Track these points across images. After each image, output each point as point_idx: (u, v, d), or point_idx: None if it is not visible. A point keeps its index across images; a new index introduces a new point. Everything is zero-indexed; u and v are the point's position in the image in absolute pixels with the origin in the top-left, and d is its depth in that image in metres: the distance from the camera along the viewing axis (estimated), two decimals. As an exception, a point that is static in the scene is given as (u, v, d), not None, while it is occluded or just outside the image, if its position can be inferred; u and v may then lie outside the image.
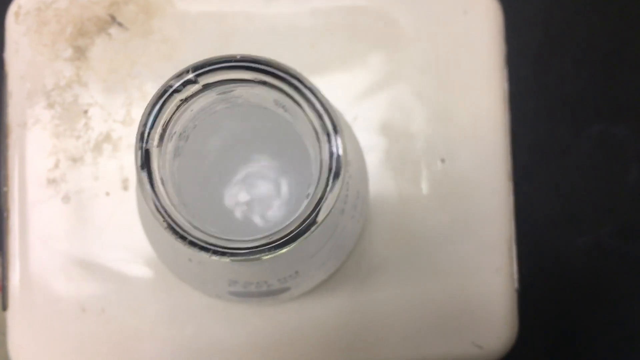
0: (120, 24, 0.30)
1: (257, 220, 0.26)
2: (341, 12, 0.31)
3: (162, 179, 0.15)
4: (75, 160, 0.30)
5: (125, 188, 0.30)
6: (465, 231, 0.31)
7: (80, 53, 0.30)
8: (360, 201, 0.26)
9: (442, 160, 0.31)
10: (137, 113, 0.30)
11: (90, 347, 0.29)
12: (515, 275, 0.31)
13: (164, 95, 0.14)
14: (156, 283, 0.29)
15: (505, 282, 0.31)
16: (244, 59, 0.14)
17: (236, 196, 0.24)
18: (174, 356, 0.29)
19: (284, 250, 0.15)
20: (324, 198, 0.14)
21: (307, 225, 0.15)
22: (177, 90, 0.14)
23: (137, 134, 0.14)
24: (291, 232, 0.15)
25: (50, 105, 0.30)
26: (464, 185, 0.31)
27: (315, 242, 0.22)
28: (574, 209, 0.48)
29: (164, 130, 0.14)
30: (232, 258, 0.14)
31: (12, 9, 0.30)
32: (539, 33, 0.48)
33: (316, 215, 0.15)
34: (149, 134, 0.14)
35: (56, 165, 0.29)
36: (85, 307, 0.29)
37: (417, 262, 0.30)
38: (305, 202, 0.15)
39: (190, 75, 0.14)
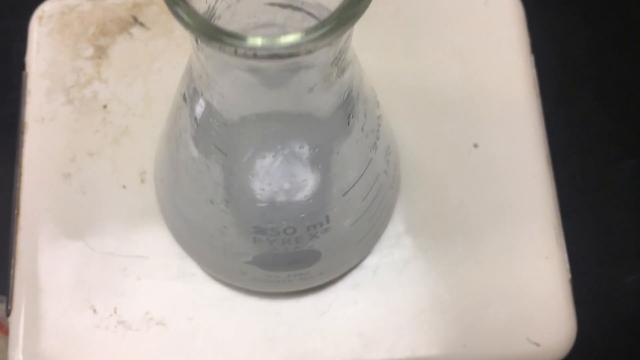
0: (142, 24, 0.30)
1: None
2: None
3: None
4: (92, 154, 0.28)
5: (143, 181, 0.28)
6: (508, 217, 0.28)
7: (101, 52, 0.30)
8: (392, 158, 0.24)
9: (475, 145, 0.29)
10: (157, 107, 0.29)
11: (101, 350, 0.26)
12: (567, 265, 0.28)
13: None
14: (173, 280, 0.27)
15: (557, 271, 0.28)
16: None
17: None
18: (190, 353, 0.26)
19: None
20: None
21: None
22: None
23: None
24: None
25: (70, 101, 0.29)
26: (501, 169, 0.29)
27: (349, 167, 0.20)
28: (618, 247, 0.45)
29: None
30: (265, 45, 0.12)
31: (36, 14, 0.30)
32: (559, 73, 0.48)
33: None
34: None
35: (72, 160, 0.28)
36: (97, 308, 0.26)
37: (457, 253, 0.28)
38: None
39: None
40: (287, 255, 0.22)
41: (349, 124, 0.18)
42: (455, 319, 0.27)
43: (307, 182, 0.19)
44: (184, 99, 0.18)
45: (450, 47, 0.31)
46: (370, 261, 0.27)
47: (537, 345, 0.27)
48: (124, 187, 0.28)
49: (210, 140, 0.18)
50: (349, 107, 0.18)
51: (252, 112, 0.16)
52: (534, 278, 0.28)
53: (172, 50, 0.30)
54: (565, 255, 0.28)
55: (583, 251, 0.43)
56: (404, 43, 0.30)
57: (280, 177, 0.19)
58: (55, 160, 0.28)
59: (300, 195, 0.20)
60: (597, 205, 0.45)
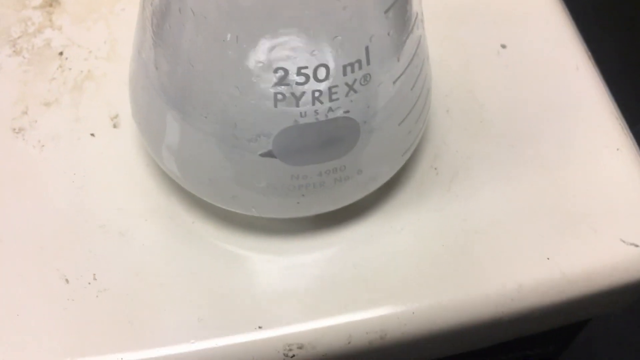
0: (97, -32, 0.26)
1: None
2: None
3: None
4: (48, 104, 0.23)
5: (116, 125, 0.23)
6: (561, 113, 0.24)
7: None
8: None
9: (503, 46, 0.25)
10: (123, 48, 0.24)
11: (77, 328, 0.19)
12: (642, 157, 0.23)
13: None
14: (160, 234, 0.21)
15: (632, 163, 0.23)
16: None
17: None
18: (191, 325, 0.19)
19: None
20: None
21: None
22: None
23: None
24: None
25: (17, 52, 0.24)
26: (538, 67, 0.25)
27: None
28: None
29: None
30: None
31: (-30, -30, 0.26)
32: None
33: None
34: None
35: (24, 113, 0.23)
36: (69, 277, 0.20)
37: (514, 158, 0.23)
38: None
39: None
40: (318, 128, 0.17)
41: None
42: (529, 230, 0.21)
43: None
44: None
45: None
46: (410, 179, 0.22)
47: (636, 245, 0.21)
48: (92, 135, 0.22)
49: None
50: None
51: None
52: (608, 173, 0.23)
53: (136, -10, 0.26)
54: (636, 147, 0.23)
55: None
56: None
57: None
58: (3, 115, 0.23)
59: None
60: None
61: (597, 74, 0.25)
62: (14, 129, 0.22)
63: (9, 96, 0.23)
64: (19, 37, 0.24)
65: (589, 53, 0.25)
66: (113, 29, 0.25)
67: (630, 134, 0.24)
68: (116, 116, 0.23)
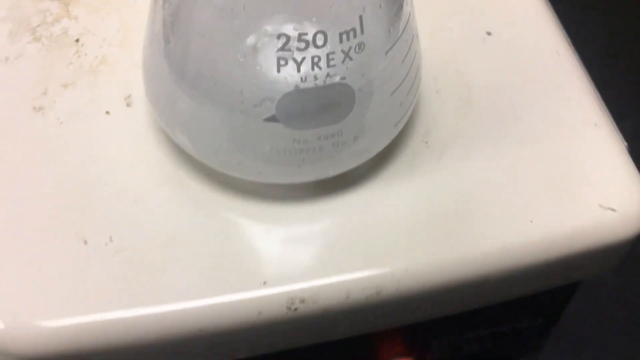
0: (111, -36, 0.28)
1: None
2: None
3: None
4: (66, 85, 0.25)
5: (129, 104, 0.24)
6: (542, 94, 0.26)
7: (68, -8, 0.27)
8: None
9: (488, 33, 0.27)
10: (136, 36, 0.26)
11: (95, 284, 0.21)
12: (619, 133, 0.25)
13: None
14: (171, 201, 0.22)
15: (609, 137, 0.25)
16: None
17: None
18: (201, 282, 0.21)
19: None
20: None
21: None
22: None
23: None
24: None
25: (36, 39, 0.26)
26: (521, 52, 0.27)
27: None
28: None
29: None
30: None
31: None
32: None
33: None
34: None
35: (44, 93, 0.24)
36: (88, 239, 0.21)
37: (497, 133, 0.24)
38: None
39: None
40: (317, 93, 0.19)
41: None
42: (514, 196, 0.23)
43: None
44: None
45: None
46: (403, 151, 0.24)
47: (614, 210, 0.23)
48: (107, 112, 0.24)
49: None
50: None
51: None
52: (587, 146, 0.24)
53: (147, -17, 0.27)
54: (613, 124, 0.25)
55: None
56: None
57: None
58: (24, 95, 0.24)
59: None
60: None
61: (576, 58, 0.27)
62: (35, 108, 0.24)
63: (29, 78, 0.25)
64: (38, 26, 0.26)
65: (569, 39, 0.27)
66: (126, 19, 0.27)
67: (607, 111, 0.25)
68: (129, 96, 0.25)
